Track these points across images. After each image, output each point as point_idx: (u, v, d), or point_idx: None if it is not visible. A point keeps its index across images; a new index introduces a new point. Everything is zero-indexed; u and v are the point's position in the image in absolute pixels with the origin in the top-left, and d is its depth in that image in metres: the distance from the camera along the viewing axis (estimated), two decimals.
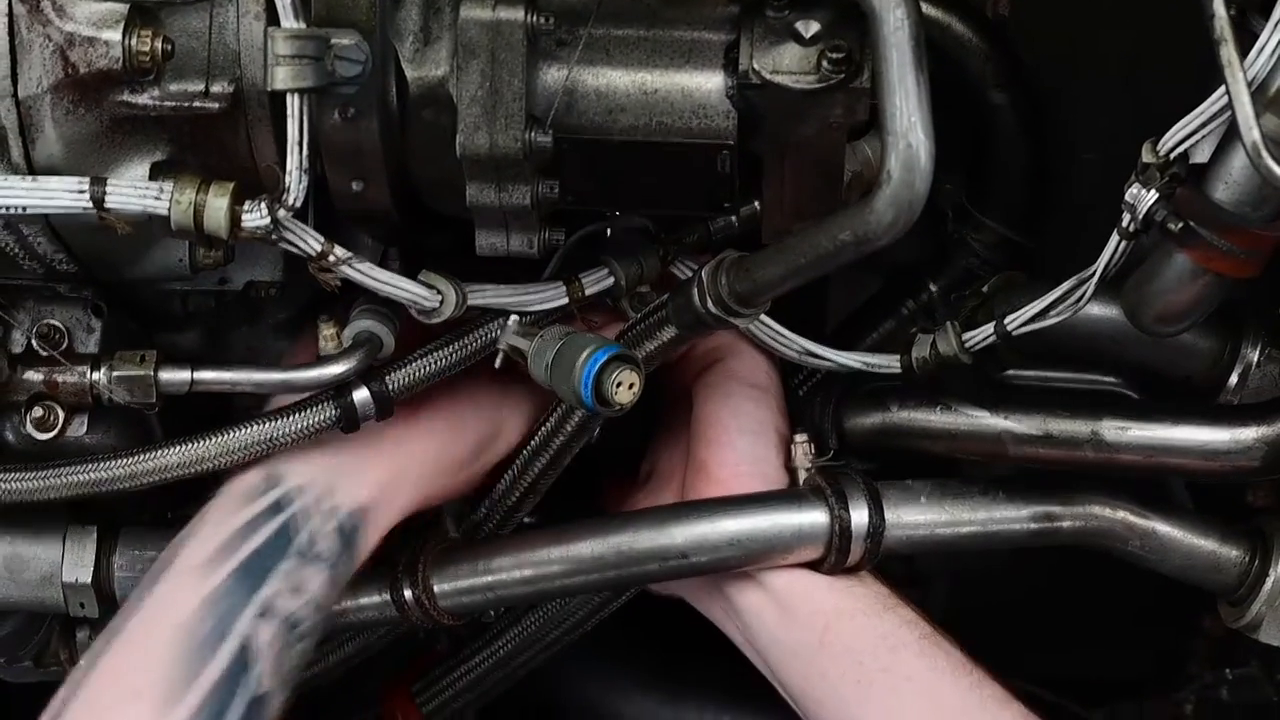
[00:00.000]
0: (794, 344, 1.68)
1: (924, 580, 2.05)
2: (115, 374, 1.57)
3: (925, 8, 1.50)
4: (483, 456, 1.69)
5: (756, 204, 1.58)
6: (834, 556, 1.58)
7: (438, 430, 1.66)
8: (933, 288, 1.85)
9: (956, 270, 1.85)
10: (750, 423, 1.65)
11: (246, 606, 1.49)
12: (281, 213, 1.41)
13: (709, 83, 1.46)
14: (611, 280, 1.62)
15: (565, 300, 1.61)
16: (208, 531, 1.55)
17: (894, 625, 1.58)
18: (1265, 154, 1.28)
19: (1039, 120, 1.82)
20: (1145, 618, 2.08)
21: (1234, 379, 1.65)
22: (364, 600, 1.67)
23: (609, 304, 1.65)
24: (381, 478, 1.62)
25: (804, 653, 1.58)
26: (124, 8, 1.39)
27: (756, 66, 1.42)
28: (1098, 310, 1.60)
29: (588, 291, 1.62)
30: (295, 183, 1.39)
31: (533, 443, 1.68)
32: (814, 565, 1.59)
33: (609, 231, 1.63)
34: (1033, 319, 1.58)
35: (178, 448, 1.59)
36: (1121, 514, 1.65)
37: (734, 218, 1.62)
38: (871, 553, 1.59)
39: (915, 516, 1.61)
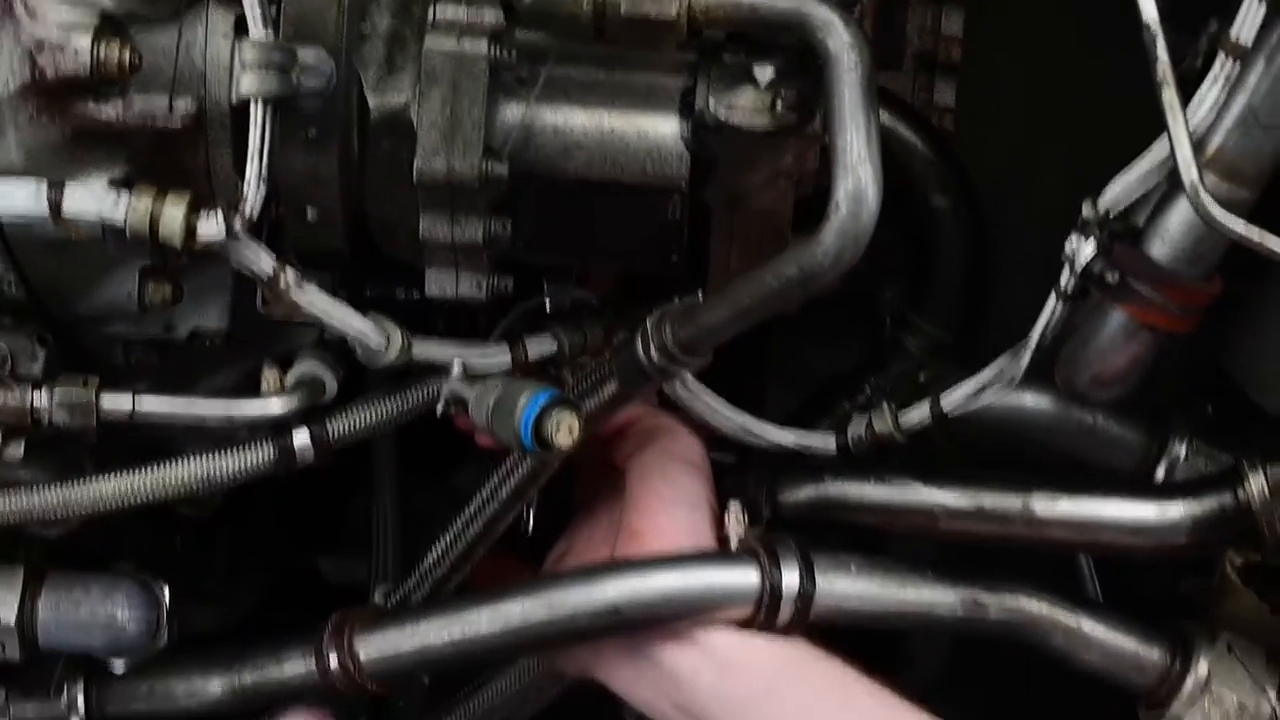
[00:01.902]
0: (731, 419, 1.69)
1: None
2: (57, 395, 1.56)
3: None
4: None
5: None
6: (763, 615, 1.57)
7: None
8: (868, 390, 1.87)
9: (892, 374, 1.87)
10: (687, 495, 1.66)
11: None
12: (237, 223, 1.42)
13: (664, 126, 1.49)
14: (555, 346, 1.64)
15: (509, 361, 1.62)
16: None
17: (840, 669, 1.57)
18: (1203, 193, 1.32)
19: (981, 227, 1.86)
20: None
21: (1161, 472, 1.68)
22: (288, 668, 1.65)
23: (551, 372, 1.66)
24: None
25: (753, 700, 1.57)
26: (94, 17, 1.42)
27: (712, 107, 1.46)
28: (1030, 400, 1.64)
29: (531, 355, 1.63)
30: (253, 192, 1.41)
31: (468, 510, 1.68)
32: (743, 625, 1.59)
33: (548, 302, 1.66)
34: (969, 397, 1.60)
35: (113, 479, 1.58)
36: (1047, 607, 1.65)
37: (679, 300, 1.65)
38: (801, 614, 1.58)
39: (845, 586, 1.60)
